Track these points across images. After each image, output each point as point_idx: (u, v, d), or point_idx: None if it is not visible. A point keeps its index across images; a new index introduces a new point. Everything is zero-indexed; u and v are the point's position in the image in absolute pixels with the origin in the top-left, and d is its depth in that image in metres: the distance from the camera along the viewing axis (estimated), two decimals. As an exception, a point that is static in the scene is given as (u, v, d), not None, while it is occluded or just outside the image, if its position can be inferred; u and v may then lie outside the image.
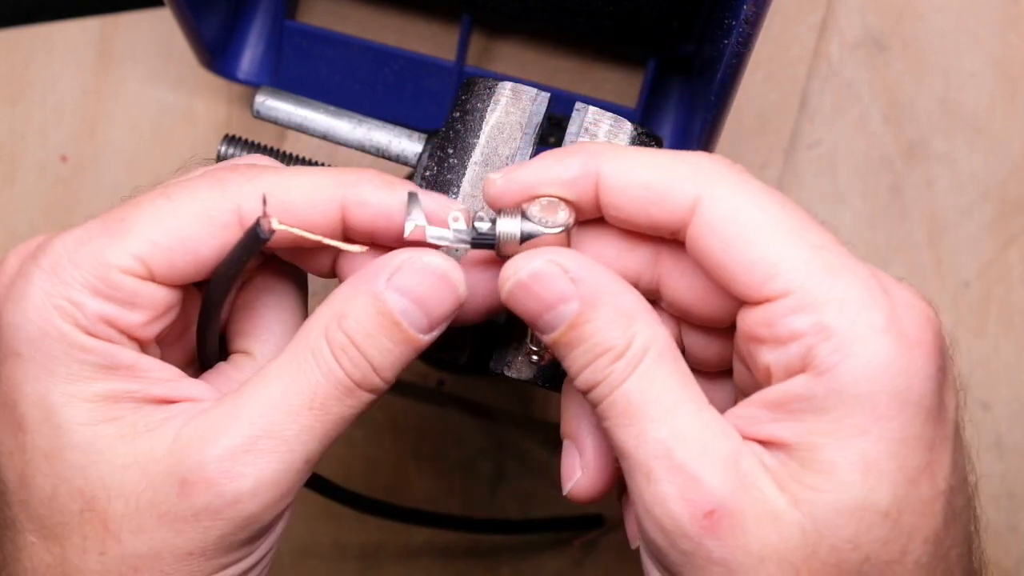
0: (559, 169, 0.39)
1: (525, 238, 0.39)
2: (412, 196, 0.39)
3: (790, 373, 0.36)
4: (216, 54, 0.69)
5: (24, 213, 0.77)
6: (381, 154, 0.52)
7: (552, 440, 0.76)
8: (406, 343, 0.38)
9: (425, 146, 0.51)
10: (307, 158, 0.53)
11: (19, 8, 0.77)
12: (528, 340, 0.44)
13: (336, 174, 0.40)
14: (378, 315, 0.38)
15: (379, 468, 0.77)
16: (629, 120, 0.48)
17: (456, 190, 0.48)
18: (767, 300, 0.36)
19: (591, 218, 0.40)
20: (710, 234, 0.37)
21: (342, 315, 0.38)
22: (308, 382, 0.38)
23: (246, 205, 0.39)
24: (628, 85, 0.70)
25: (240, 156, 0.53)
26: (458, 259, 0.40)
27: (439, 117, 0.65)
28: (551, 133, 0.62)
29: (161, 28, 0.76)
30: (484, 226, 0.40)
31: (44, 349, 0.38)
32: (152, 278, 0.39)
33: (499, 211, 0.40)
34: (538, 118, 0.48)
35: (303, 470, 0.39)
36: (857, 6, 0.76)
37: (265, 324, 0.44)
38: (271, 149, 0.53)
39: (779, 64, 0.72)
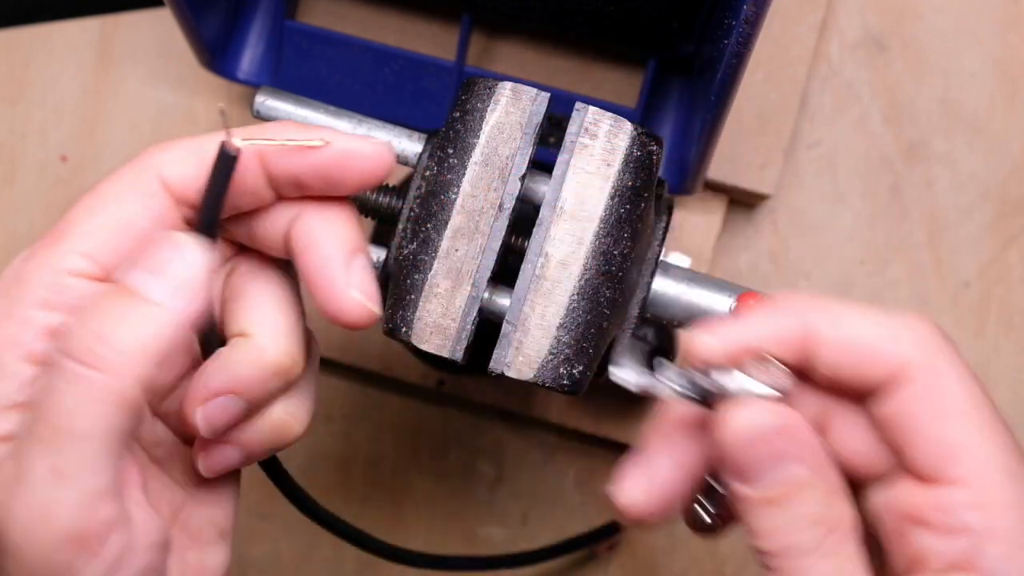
0: (777, 327, 0.38)
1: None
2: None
3: (952, 567, 0.35)
4: (216, 54, 0.69)
5: (24, 213, 0.77)
6: (381, 154, 0.52)
7: (552, 440, 0.76)
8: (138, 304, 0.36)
9: (425, 146, 0.51)
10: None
11: (19, 8, 0.77)
12: (701, 495, 0.42)
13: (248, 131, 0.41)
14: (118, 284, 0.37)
15: (379, 468, 0.77)
16: (629, 120, 0.48)
17: (456, 190, 0.48)
18: (942, 483, 0.36)
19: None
20: (910, 402, 0.36)
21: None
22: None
23: (165, 170, 0.39)
24: (628, 85, 0.70)
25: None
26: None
27: (439, 117, 0.65)
28: (551, 133, 0.62)
29: (161, 28, 0.76)
30: (706, 381, 0.39)
31: None
32: (107, 276, 0.39)
33: (705, 367, 0.39)
34: (538, 118, 0.48)
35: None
36: (857, 6, 0.76)
37: (256, 303, 0.43)
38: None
39: (779, 64, 0.72)
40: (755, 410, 0.37)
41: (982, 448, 0.35)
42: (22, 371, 0.37)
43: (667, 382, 0.39)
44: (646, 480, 0.41)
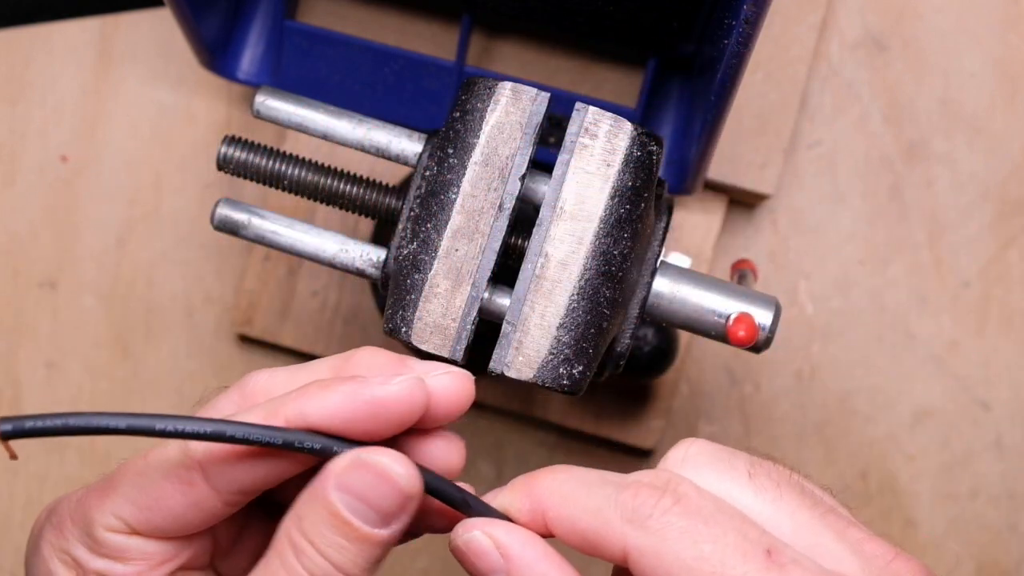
0: (513, 508, 0.41)
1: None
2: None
3: None
4: (216, 54, 0.69)
5: (24, 213, 0.77)
6: (381, 154, 0.52)
7: (552, 440, 0.76)
8: (361, 540, 0.39)
9: (425, 146, 0.51)
10: (307, 158, 0.53)
11: (19, 8, 0.77)
12: None
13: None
14: (329, 516, 0.39)
15: (379, 468, 0.77)
16: (629, 120, 0.48)
17: (456, 190, 0.48)
18: None
19: None
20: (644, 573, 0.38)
21: (300, 518, 0.40)
22: None
23: (206, 462, 0.41)
24: (628, 85, 0.70)
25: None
26: None
27: (439, 117, 0.65)
28: (551, 133, 0.62)
29: (161, 28, 0.76)
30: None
31: None
32: (138, 533, 0.42)
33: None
34: (538, 118, 0.48)
35: None
36: (857, 6, 0.76)
37: None
38: (271, 149, 0.53)
39: (779, 64, 0.72)
40: (458, 529, 0.40)
41: None
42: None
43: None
44: None
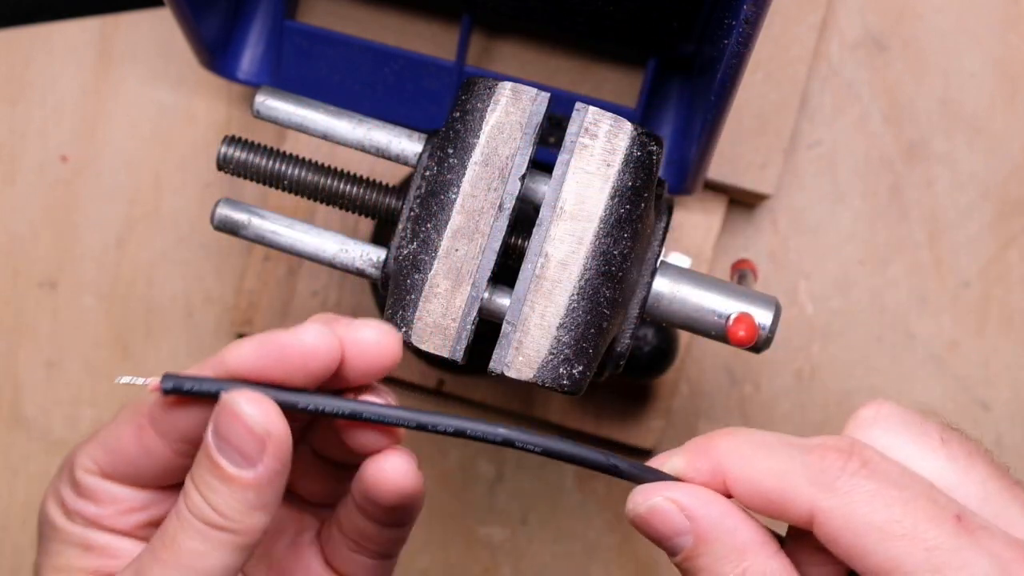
0: (692, 473, 0.40)
1: None
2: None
3: None
4: (216, 54, 0.69)
5: (24, 213, 0.77)
6: (381, 154, 0.52)
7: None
8: (230, 481, 0.40)
9: (425, 146, 0.51)
10: (307, 158, 0.53)
11: (19, 8, 0.77)
12: None
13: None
14: (206, 458, 0.41)
15: (379, 468, 0.77)
16: (629, 120, 0.48)
17: (456, 190, 0.48)
18: None
19: None
20: (830, 543, 0.38)
21: (194, 463, 0.42)
22: (167, 528, 0.41)
23: (151, 409, 0.43)
24: (628, 85, 0.70)
25: (242, 155, 0.53)
26: None
27: (439, 117, 0.65)
28: (551, 133, 0.62)
29: (161, 28, 0.76)
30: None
31: (43, 532, 0.46)
32: (109, 477, 0.44)
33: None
34: (538, 118, 0.48)
35: None
36: (857, 6, 0.76)
37: None
38: (271, 149, 0.53)
39: (779, 64, 0.72)
40: (636, 497, 0.40)
41: (908, 560, 0.36)
42: (64, 526, 0.45)
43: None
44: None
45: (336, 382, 0.42)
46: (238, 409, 0.40)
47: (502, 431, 0.41)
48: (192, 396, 0.41)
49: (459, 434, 0.42)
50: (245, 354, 0.41)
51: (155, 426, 0.43)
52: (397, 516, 0.46)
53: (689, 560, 0.39)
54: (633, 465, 0.41)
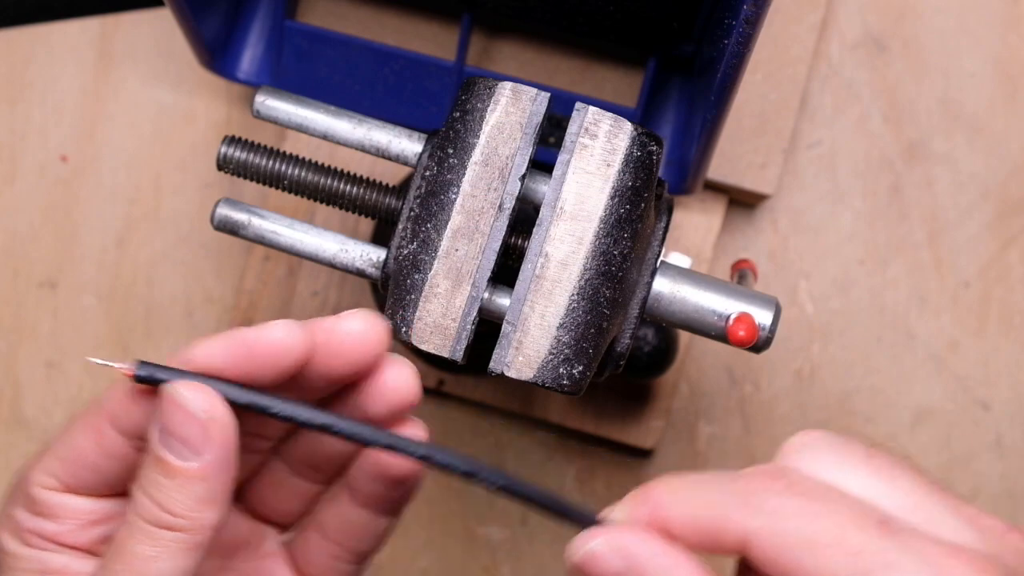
0: (633, 519, 0.41)
1: None
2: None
3: None
4: (216, 54, 0.69)
5: (24, 213, 0.77)
6: (381, 154, 0.52)
7: (552, 440, 0.76)
8: (174, 474, 0.40)
9: (425, 146, 0.51)
10: (307, 158, 0.53)
11: (19, 8, 0.77)
12: None
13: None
14: (151, 456, 0.40)
15: (379, 468, 0.77)
16: (629, 120, 0.48)
17: (456, 190, 0.48)
18: None
19: None
20: (766, 564, 0.38)
21: (140, 465, 0.41)
22: (117, 538, 0.41)
23: (110, 407, 0.42)
24: (628, 85, 0.70)
25: (242, 155, 0.53)
26: None
27: (439, 117, 0.65)
28: (551, 133, 0.62)
29: (161, 28, 0.76)
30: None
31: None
32: (70, 490, 0.43)
33: None
34: (538, 118, 0.48)
35: None
36: (857, 6, 0.76)
37: None
38: (271, 149, 0.53)
39: (779, 64, 0.72)
40: (576, 541, 0.40)
41: (839, 565, 0.37)
42: (19, 551, 0.43)
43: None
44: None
45: (327, 378, 0.42)
46: (178, 397, 0.39)
47: (469, 462, 0.41)
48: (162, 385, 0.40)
49: (426, 460, 0.41)
50: (213, 350, 0.40)
51: (116, 423, 0.42)
52: (398, 493, 0.45)
53: None
54: (581, 512, 0.41)
